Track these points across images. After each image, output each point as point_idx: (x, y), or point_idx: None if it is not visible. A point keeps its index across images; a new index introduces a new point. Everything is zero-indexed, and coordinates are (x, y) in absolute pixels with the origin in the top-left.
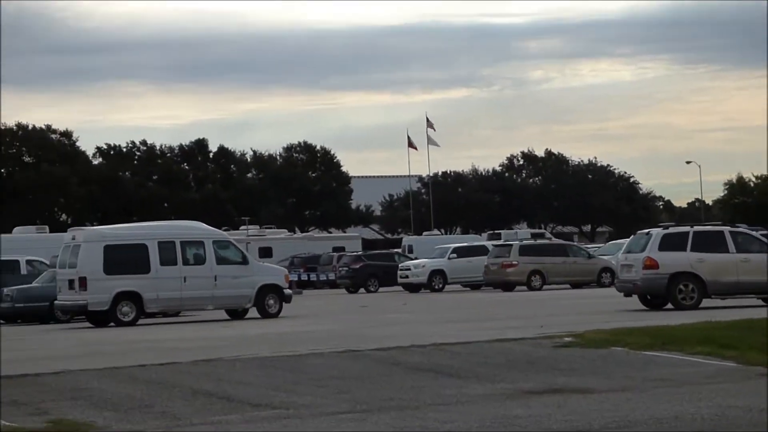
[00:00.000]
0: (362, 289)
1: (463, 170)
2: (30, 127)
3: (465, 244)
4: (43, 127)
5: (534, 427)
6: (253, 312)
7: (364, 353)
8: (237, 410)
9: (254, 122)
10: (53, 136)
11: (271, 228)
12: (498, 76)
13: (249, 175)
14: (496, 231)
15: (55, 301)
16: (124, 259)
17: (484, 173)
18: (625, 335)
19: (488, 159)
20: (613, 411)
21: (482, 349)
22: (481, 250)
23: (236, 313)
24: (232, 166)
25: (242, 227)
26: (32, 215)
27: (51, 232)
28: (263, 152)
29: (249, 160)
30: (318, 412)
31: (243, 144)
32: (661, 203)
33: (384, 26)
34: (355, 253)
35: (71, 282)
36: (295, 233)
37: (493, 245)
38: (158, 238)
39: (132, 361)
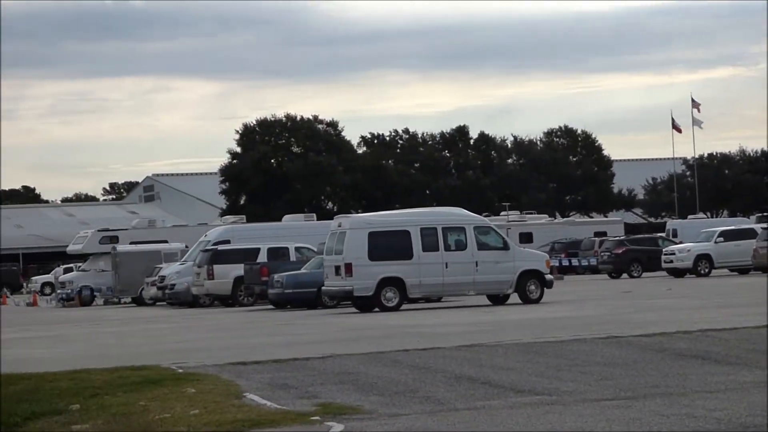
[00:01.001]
0: (625, 275)
1: (729, 151)
2: (298, 118)
3: (732, 227)
4: (311, 117)
5: None
6: (515, 297)
7: (627, 339)
8: (499, 396)
9: (515, 108)
10: (320, 126)
11: (531, 213)
12: (765, 54)
13: (509, 161)
14: (765, 213)
15: (323, 287)
16: (387, 245)
17: (752, 154)
18: None
19: (756, 139)
20: None
21: (751, 336)
22: (749, 233)
23: (497, 299)
24: (492, 152)
25: (503, 213)
26: (300, 203)
27: (318, 219)
28: (523, 137)
29: (509, 145)
30: (581, 398)
31: (503, 130)
32: None
33: (646, 6)
34: (617, 238)
35: (337, 268)
36: (555, 218)
37: (762, 228)
38: (420, 224)
39: (396, 345)
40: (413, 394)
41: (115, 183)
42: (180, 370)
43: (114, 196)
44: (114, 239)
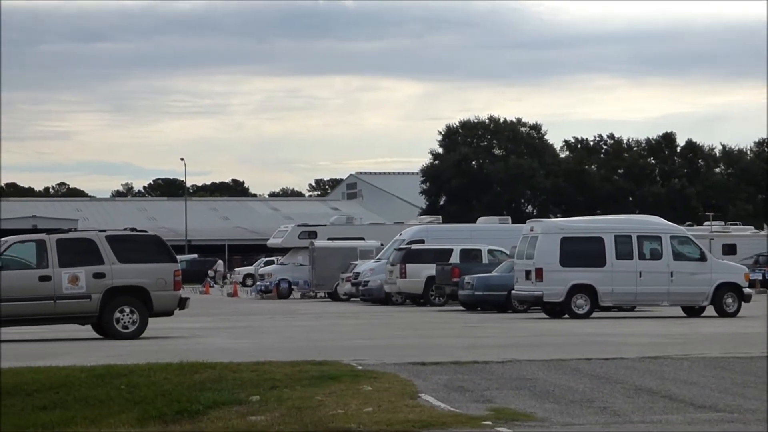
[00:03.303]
0: None
1: None
2: (501, 120)
3: None
4: (514, 120)
5: None
6: (710, 310)
7: None
8: (679, 410)
9: (724, 116)
10: (522, 129)
11: (736, 224)
12: None
13: (717, 170)
14: None
15: (512, 291)
16: (580, 251)
17: None
18: None
19: None
20: None
21: None
22: None
23: (692, 311)
24: (699, 160)
25: (706, 223)
26: (499, 206)
27: (515, 223)
28: (733, 147)
29: (717, 154)
30: (764, 417)
31: (712, 138)
32: None
33: None
34: None
35: (528, 273)
36: (762, 230)
37: None
38: (614, 231)
39: (578, 353)
40: (589, 403)
41: (320, 179)
42: (359, 367)
43: (318, 192)
44: (312, 234)
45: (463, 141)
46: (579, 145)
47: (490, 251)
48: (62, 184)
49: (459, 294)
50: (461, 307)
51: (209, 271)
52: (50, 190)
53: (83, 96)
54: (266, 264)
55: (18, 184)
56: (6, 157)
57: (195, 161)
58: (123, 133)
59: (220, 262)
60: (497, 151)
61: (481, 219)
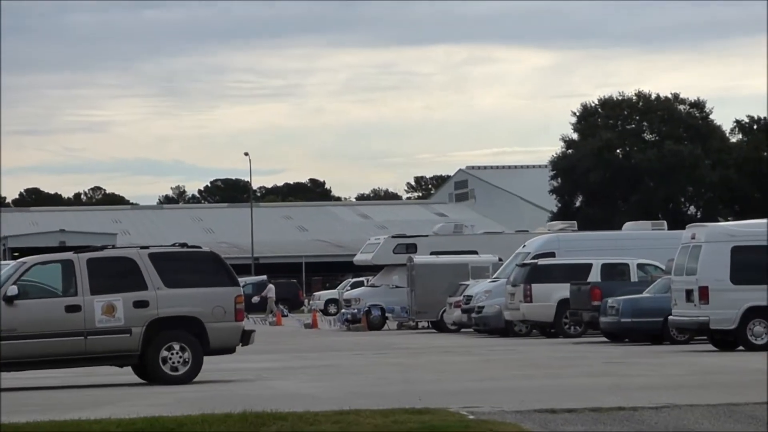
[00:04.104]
0: None
1: None
2: (652, 96)
3: None
4: (669, 96)
5: None
6: None
7: None
8: None
9: None
10: (681, 107)
11: None
12: None
13: None
14: None
15: (669, 317)
16: (757, 265)
17: None
18: None
19: None
20: None
21: None
22: None
23: None
24: None
25: None
26: (652, 206)
27: (671, 228)
28: None
29: None
30: None
31: None
32: None
33: None
34: None
35: (689, 292)
36: None
37: None
38: None
39: (756, 396)
40: None
41: (421, 177)
42: (471, 416)
43: (419, 194)
44: (411, 248)
45: (604, 124)
46: (755, 127)
47: (640, 266)
48: (97, 188)
49: (600, 321)
50: (603, 338)
51: (254, 298)
52: (82, 196)
53: (123, 78)
54: (353, 286)
55: (41, 189)
56: (26, 155)
57: (262, 157)
58: (172, 122)
59: (272, 287)
60: (648, 136)
61: (627, 224)
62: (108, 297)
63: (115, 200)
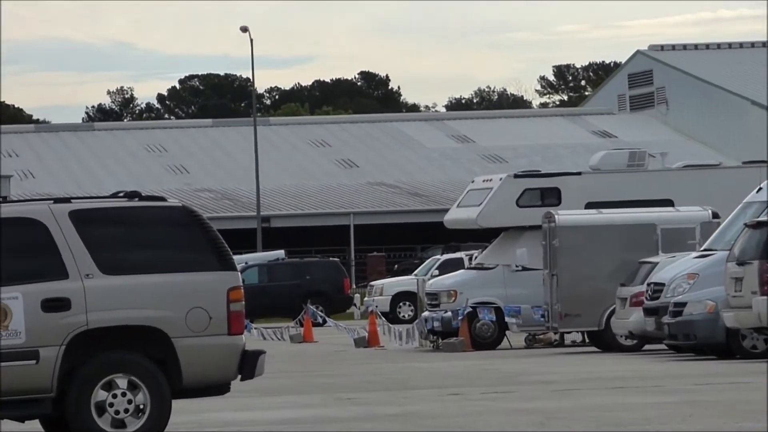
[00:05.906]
0: None
1: None
2: None
3: None
4: None
5: None
6: None
7: None
8: None
9: None
10: None
11: None
12: None
13: None
14: None
15: None
16: None
17: None
18: None
19: None
20: None
21: None
22: None
23: None
24: None
25: None
26: None
27: None
28: None
29: None
30: None
31: None
32: None
33: None
34: None
35: None
36: None
37: None
38: None
39: None
40: None
41: (566, 66)
42: None
43: (563, 98)
44: (550, 196)
45: None
46: None
47: None
48: None
49: None
50: None
51: None
52: None
53: None
54: (443, 270)
55: None
56: None
57: (273, 35)
58: None
59: None
60: None
61: None
62: None
63: (7, 116)
